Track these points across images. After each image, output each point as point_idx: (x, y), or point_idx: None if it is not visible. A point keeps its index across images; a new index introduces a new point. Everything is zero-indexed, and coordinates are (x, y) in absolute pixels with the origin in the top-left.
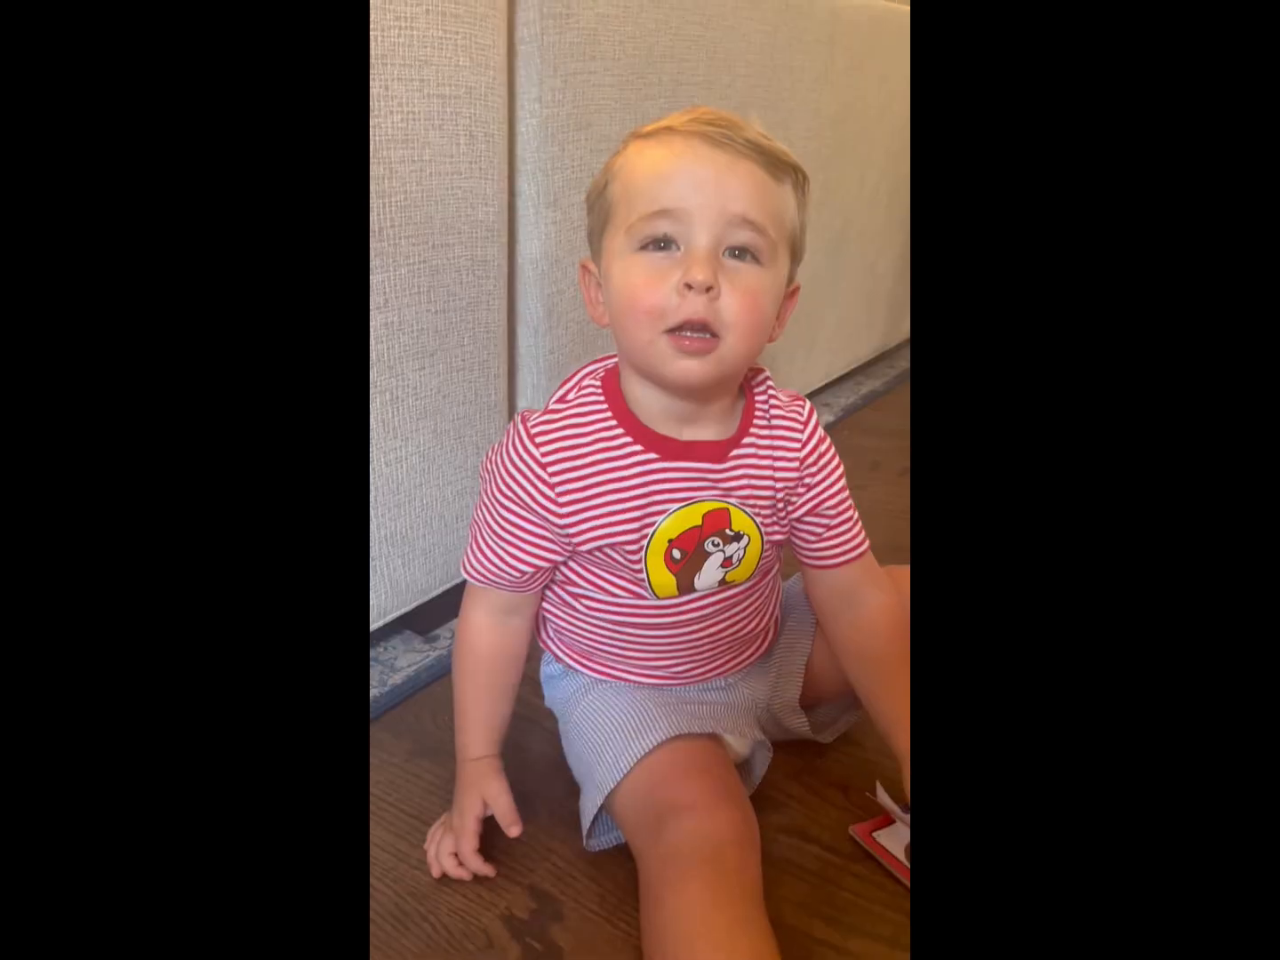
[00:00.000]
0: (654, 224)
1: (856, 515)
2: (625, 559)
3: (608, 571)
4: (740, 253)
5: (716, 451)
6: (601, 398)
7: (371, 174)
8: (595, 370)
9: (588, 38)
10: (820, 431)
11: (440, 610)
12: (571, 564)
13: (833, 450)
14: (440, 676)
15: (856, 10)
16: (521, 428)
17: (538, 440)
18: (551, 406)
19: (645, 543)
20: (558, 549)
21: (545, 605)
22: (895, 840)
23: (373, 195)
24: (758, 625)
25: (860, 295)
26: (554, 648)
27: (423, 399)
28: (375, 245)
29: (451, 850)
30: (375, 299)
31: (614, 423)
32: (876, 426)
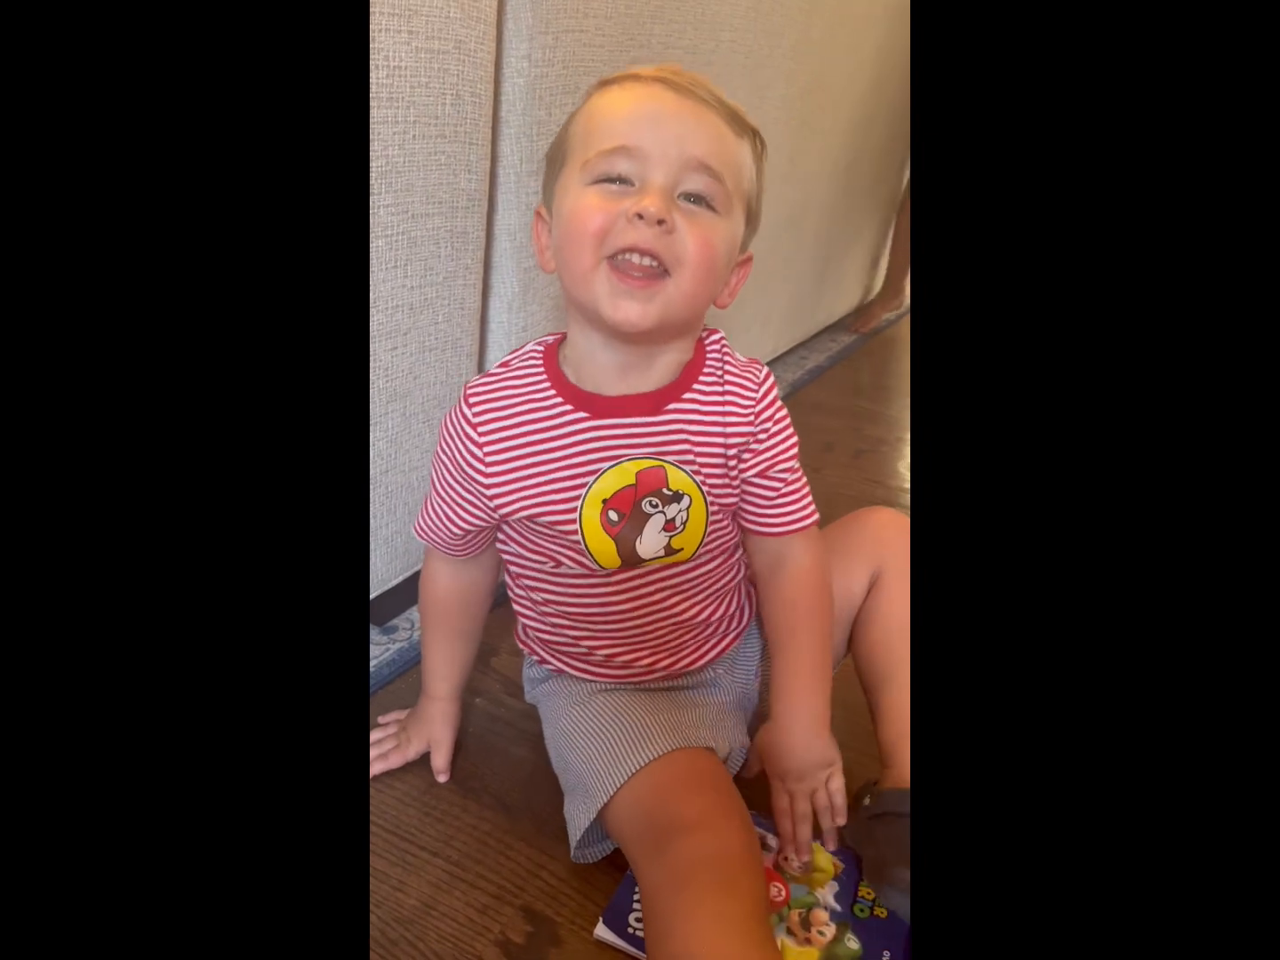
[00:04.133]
0: (610, 160)
1: (809, 490)
2: (557, 527)
3: (551, 542)
4: (696, 199)
5: (647, 404)
6: (540, 361)
7: None
8: (544, 338)
9: None
10: (776, 393)
11: (397, 599)
12: (519, 543)
13: (788, 418)
14: (403, 671)
15: None
16: (463, 391)
17: (471, 401)
18: (491, 370)
19: (579, 504)
20: (485, 515)
21: (517, 607)
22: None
23: None
24: (718, 610)
25: (814, 269)
26: (534, 646)
27: (393, 380)
28: None
29: (383, 764)
30: None
31: (547, 383)
32: (824, 404)
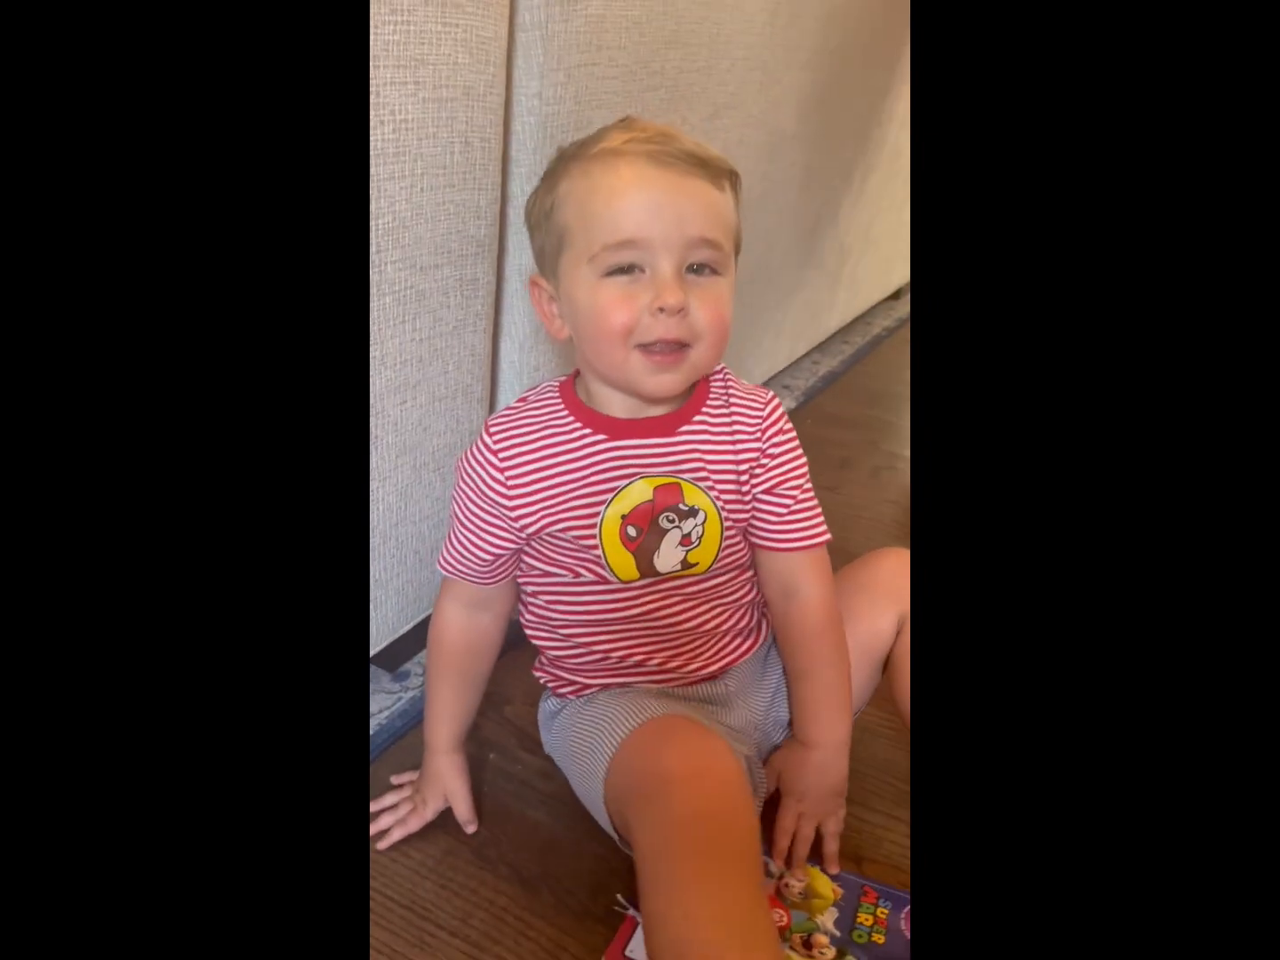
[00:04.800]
0: (618, 254)
1: (820, 510)
2: (579, 541)
3: (569, 557)
4: (699, 268)
5: (663, 425)
6: (556, 394)
7: None
8: (559, 377)
9: (594, 25)
10: (782, 411)
11: (409, 644)
12: (540, 559)
13: (796, 438)
14: (416, 722)
15: None
16: (483, 425)
17: (492, 431)
18: (511, 405)
19: (599, 520)
20: (511, 536)
21: (532, 632)
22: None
23: None
24: (735, 622)
25: (828, 276)
26: (552, 671)
27: (402, 434)
28: None
29: (402, 829)
30: None
31: (565, 411)
32: (840, 415)
